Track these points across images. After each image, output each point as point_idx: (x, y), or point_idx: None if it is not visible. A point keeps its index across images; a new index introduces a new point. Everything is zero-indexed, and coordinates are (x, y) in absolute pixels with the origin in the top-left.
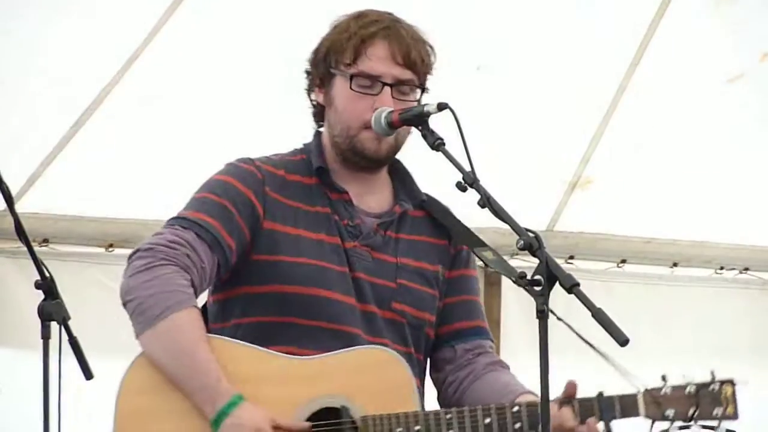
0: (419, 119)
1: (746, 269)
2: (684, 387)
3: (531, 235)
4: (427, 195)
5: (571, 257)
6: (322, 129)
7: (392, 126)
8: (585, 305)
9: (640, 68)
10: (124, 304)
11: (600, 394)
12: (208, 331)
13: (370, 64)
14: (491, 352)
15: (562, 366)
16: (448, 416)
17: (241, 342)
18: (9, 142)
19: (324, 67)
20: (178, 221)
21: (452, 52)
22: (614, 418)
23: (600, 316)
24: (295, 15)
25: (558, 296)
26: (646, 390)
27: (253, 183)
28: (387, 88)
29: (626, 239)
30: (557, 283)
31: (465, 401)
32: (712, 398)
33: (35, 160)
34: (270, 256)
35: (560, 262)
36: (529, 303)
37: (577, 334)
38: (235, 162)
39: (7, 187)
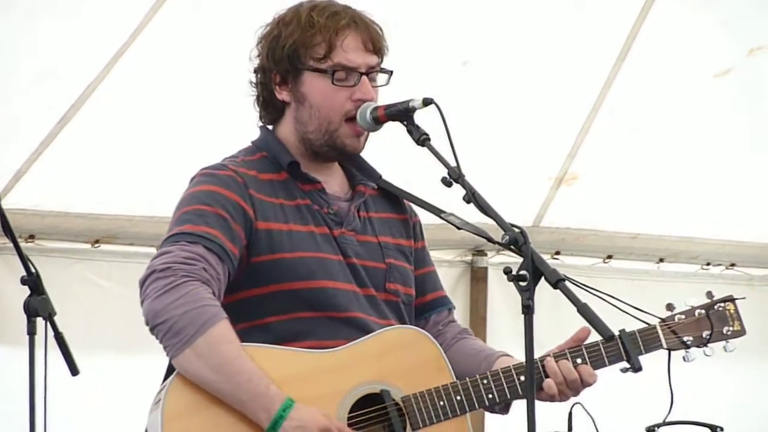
0: (405, 115)
1: (733, 265)
2: (693, 311)
3: (516, 230)
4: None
5: (557, 253)
6: (271, 126)
7: (378, 121)
8: (570, 300)
9: (627, 63)
10: (153, 328)
11: (622, 331)
12: None
13: (346, 56)
14: (455, 320)
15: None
16: (485, 381)
17: (270, 345)
18: None
19: (289, 64)
20: (183, 237)
21: (438, 48)
22: (639, 353)
23: (585, 311)
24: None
25: (545, 291)
26: (662, 321)
27: (237, 188)
28: (365, 78)
29: (612, 235)
30: (543, 279)
31: None
32: (719, 317)
33: (21, 157)
34: (270, 255)
35: (546, 257)
36: (514, 298)
37: (577, 285)
38: (211, 170)
39: None
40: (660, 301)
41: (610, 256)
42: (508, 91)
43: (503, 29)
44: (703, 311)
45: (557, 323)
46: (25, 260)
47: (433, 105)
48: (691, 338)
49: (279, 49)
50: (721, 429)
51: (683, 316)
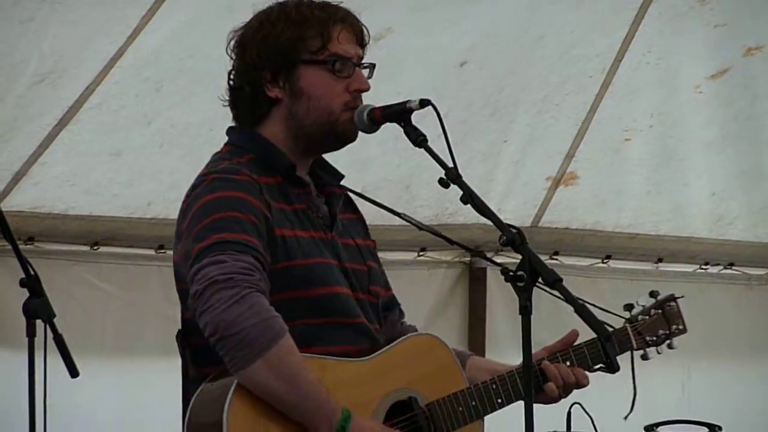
0: (402, 115)
1: (731, 264)
2: (649, 311)
3: (513, 231)
4: None
5: (556, 253)
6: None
7: (375, 122)
8: (568, 300)
9: (624, 64)
10: (221, 339)
11: (599, 335)
12: None
13: (341, 47)
14: (404, 319)
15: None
16: (494, 386)
17: (306, 354)
18: None
19: (283, 60)
20: (230, 245)
21: (435, 49)
22: (616, 354)
23: (582, 311)
24: None
25: (544, 292)
26: (629, 322)
27: (257, 193)
28: (358, 69)
29: (611, 235)
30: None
31: None
32: (671, 316)
33: (20, 158)
34: (287, 262)
35: (545, 258)
36: (513, 299)
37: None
38: (229, 175)
39: None
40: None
41: (608, 257)
42: (505, 91)
43: (500, 30)
44: (659, 311)
45: (556, 324)
46: (24, 262)
47: (430, 106)
48: (654, 338)
49: (270, 46)
50: (720, 428)
51: (646, 317)
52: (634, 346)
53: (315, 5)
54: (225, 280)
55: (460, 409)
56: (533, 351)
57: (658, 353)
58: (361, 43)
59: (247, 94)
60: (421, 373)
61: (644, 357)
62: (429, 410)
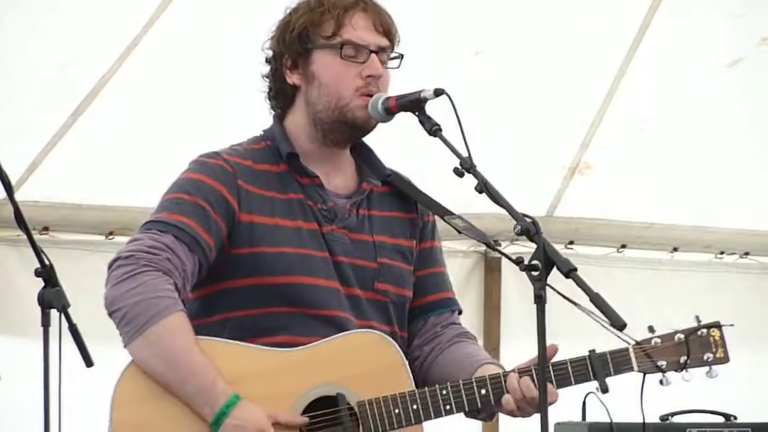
0: (416, 105)
1: (746, 254)
2: (672, 335)
3: (528, 220)
4: (390, 169)
5: (571, 242)
6: (278, 114)
7: (389, 112)
8: (583, 290)
9: (640, 52)
10: (110, 314)
11: (591, 352)
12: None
13: (355, 33)
14: (458, 323)
15: (560, 350)
16: (444, 392)
17: (228, 340)
18: (9, 131)
19: (299, 46)
20: (155, 225)
21: (450, 37)
22: (608, 375)
23: (597, 301)
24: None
25: (558, 281)
26: (637, 343)
27: (225, 177)
28: (374, 55)
29: (626, 224)
30: (555, 268)
31: (431, 375)
32: (701, 343)
33: (35, 149)
34: (250, 248)
35: (560, 247)
36: (528, 288)
37: (563, 296)
38: (202, 158)
39: (6, 176)
40: (673, 290)
41: (624, 246)
42: (520, 80)
43: (515, 19)
44: (682, 336)
45: (570, 313)
46: (38, 252)
47: (444, 95)
48: (665, 362)
49: (289, 32)
50: (735, 417)
51: (659, 340)
52: (635, 368)
53: None
54: (126, 257)
55: (396, 411)
56: (550, 339)
57: (685, 380)
58: (384, 33)
59: (273, 83)
60: (358, 371)
61: (662, 382)
62: (359, 409)
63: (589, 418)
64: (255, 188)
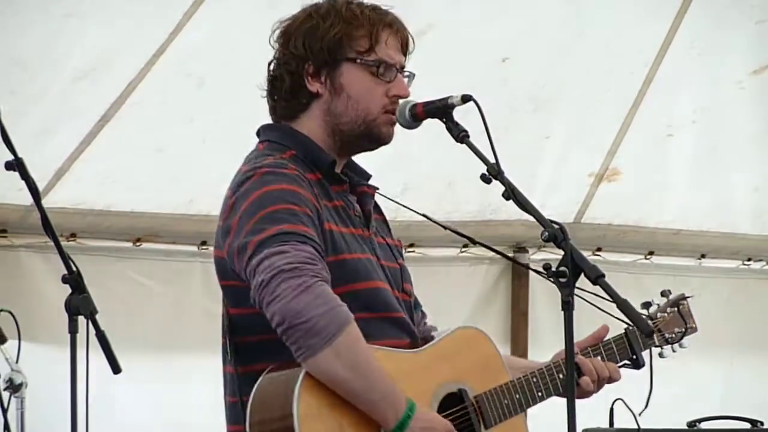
0: (443, 111)
1: None
2: (665, 309)
3: (556, 226)
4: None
5: (599, 249)
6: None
7: (417, 118)
8: (610, 296)
9: (666, 60)
10: (290, 328)
11: (627, 328)
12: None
13: (388, 52)
14: (426, 320)
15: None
16: (534, 379)
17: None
18: (36, 137)
19: (329, 55)
20: (290, 236)
21: (477, 45)
22: (641, 349)
23: (625, 307)
24: None
25: (586, 288)
26: (650, 319)
27: (308, 187)
28: (400, 75)
29: (654, 231)
30: (583, 275)
31: None
32: (685, 315)
33: (62, 155)
34: (335, 256)
35: (587, 254)
36: (556, 294)
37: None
38: (277, 169)
39: (34, 182)
40: (701, 297)
41: (651, 253)
42: (547, 87)
43: (543, 26)
44: (675, 309)
45: (598, 319)
46: (66, 259)
47: (471, 102)
48: (672, 335)
49: (318, 39)
50: (762, 423)
51: (664, 314)
52: (656, 342)
53: (366, 6)
54: (291, 269)
55: (506, 401)
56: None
57: (673, 351)
58: (405, 52)
59: (287, 85)
60: (469, 365)
61: (661, 355)
62: (477, 402)
63: (617, 424)
64: (320, 197)
